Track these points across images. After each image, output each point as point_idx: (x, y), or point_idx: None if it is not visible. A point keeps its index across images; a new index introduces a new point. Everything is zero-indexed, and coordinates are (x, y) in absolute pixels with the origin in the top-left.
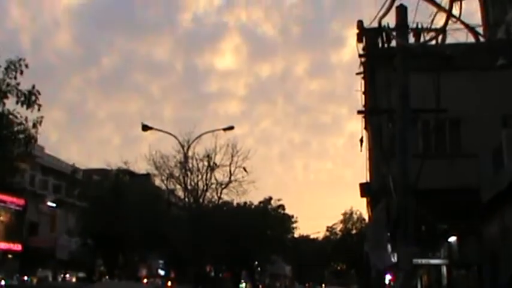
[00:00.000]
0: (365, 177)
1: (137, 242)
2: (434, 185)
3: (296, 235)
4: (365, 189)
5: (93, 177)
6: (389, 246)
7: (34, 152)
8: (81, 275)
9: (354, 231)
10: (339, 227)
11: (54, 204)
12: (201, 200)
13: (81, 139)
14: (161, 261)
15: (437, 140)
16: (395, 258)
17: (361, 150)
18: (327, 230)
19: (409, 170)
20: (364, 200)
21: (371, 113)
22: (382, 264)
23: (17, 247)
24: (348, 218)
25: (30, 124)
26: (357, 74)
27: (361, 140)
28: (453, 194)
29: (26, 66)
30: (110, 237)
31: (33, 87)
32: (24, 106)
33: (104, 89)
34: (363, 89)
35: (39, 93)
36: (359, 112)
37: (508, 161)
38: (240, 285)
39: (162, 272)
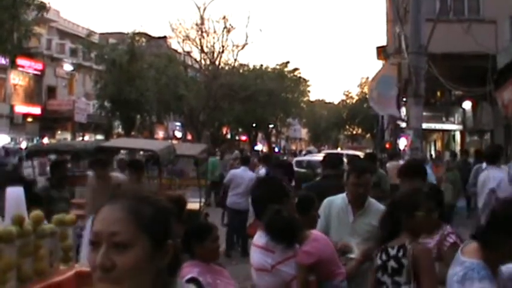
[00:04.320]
0: (382, 40)
1: (154, 104)
2: (450, 49)
3: (312, 99)
4: (382, 52)
5: (109, 40)
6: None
7: (49, 17)
8: (99, 137)
9: None
10: (356, 91)
11: (71, 68)
12: (217, 62)
13: (98, 2)
14: (178, 123)
15: (455, 4)
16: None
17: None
18: (343, 94)
19: (421, 29)
20: (381, 63)
21: None
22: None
23: (37, 110)
24: (364, 82)
25: None
26: None
27: None
28: (469, 59)
29: None
30: (126, 100)
31: None
32: None
33: None
34: None
35: None
36: None
37: None
38: (256, 148)
39: (178, 134)
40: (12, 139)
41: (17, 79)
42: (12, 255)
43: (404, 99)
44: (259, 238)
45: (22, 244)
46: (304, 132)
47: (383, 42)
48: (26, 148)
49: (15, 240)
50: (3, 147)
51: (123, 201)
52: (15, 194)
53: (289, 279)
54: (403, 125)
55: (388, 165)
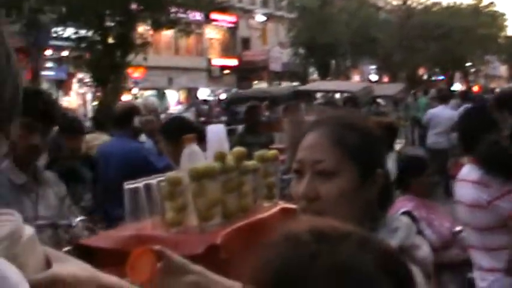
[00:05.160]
0: None
1: (347, 48)
2: None
3: (510, 33)
4: None
5: None
6: None
7: None
8: (294, 84)
9: None
10: None
11: (264, 18)
12: (409, 2)
13: None
14: (372, 67)
15: None
16: None
17: None
18: None
19: None
20: None
21: None
22: None
23: (233, 62)
24: None
25: None
26: None
27: None
28: None
29: None
30: (320, 45)
31: None
32: None
33: None
34: None
35: None
36: None
37: None
38: (454, 88)
39: (373, 77)
40: (211, 91)
41: (212, 33)
42: (216, 191)
43: None
44: (469, 172)
45: (225, 180)
46: (503, 70)
47: None
48: (225, 98)
49: (218, 176)
50: (204, 100)
51: (328, 128)
52: (216, 130)
53: (508, 215)
54: None
55: None
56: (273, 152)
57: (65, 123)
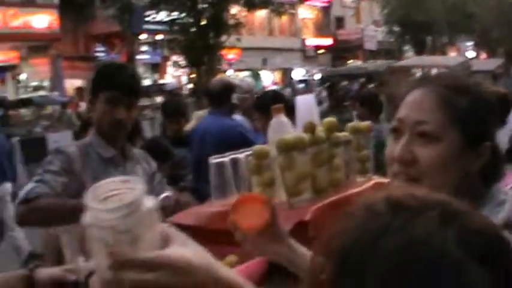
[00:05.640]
0: None
1: (443, 25)
2: None
3: None
4: None
5: None
6: None
7: None
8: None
9: None
10: None
11: None
12: None
13: None
14: (469, 43)
15: None
16: None
17: None
18: None
19: None
20: None
21: None
22: None
23: (327, 42)
24: None
25: None
26: None
27: None
28: None
29: None
30: (415, 22)
31: None
32: None
33: None
34: None
35: None
36: None
37: None
38: None
39: (471, 54)
40: (306, 71)
41: (305, 13)
42: (305, 164)
43: None
44: None
45: (315, 152)
46: None
47: None
48: (321, 77)
49: (307, 148)
50: (301, 80)
51: (437, 88)
52: (306, 101)
53: None
54: None
55: None
56: (366, 123)
57: (168, 108)
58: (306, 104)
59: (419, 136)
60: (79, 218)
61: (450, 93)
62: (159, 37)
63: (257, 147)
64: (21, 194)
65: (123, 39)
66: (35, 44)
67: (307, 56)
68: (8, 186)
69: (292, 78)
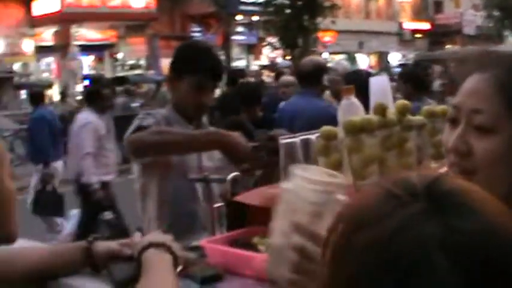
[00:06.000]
0: None
1: None
2: None
3: None
4: None
5: None
6: None
7: None
8: None
9: None
10: None
11: None
12: None
13: None
14: None
15: None
16: None
17: None
18: None
19: None
20: None
21: None
22: None
23: (425, 26)
24: None
25: None
26: None
27: None
28: None
29: None
30: None
31: None
32: None
33: None
34: None
35: None
36: None
37: None
38: None
39: None
40: (402, 56)
41: None
42: (373, 147)
43: None
44: None
45: (385, 135)
46: None
47: None
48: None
49: (376, 130)
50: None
51: (499, 73)
52: (379, 82)
53: None
54: None
55: None
56: (442, 107)
57: (245, 92)
58: (379, 85)
59: (475, 126)
60: (193, 150)
61: (510, 78)
62: (255, 18)
63: (325, 128)
64: (130, 129)
65: (219, 20)
66: (132, 24)
67: (404, 40)
68: (59, 163)
69: (388, 62)
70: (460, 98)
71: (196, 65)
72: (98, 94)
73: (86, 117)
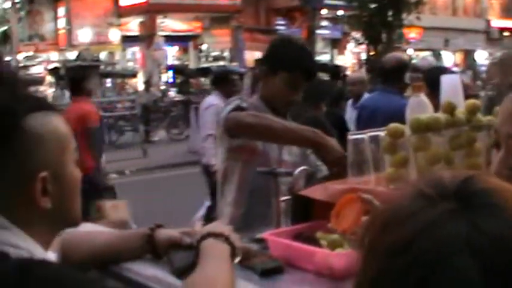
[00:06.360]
0: None
1: None
2: None
3: None
4: None
5: None
6: None
7: None
8: None
9: None
10: None
11: None
12: None
13: None
14: None
15: None
16: None
17: None
18: None
19: None
20: None
21: None
22: None
23: None
24: None
25: None
26: None
27: None
28: None
29: None
30: None
31: None
32: None
33: None
34: None
35: None
36: None
37: None
38: None
39: None
40: (489, 54)
41: None
42: (440, 146)
43: None
44: None
45: (453, 135)
46: None
47: None
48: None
49: (444, 129)
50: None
51: None
52: (450, 80)
53: None
54: None
55: None
56: None
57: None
58: (450, 84)
59: None
60: (286, 141)
61: None
62: (340, 13)
63: (392, 125)
64: (228, 108)
65: (304, 14)
66: (217, 15)
67: (491, 38)
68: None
69: (475, 60)
70: (498, 121)
71: (292, 63)
72: (225, 78)
73: (212, 100)
